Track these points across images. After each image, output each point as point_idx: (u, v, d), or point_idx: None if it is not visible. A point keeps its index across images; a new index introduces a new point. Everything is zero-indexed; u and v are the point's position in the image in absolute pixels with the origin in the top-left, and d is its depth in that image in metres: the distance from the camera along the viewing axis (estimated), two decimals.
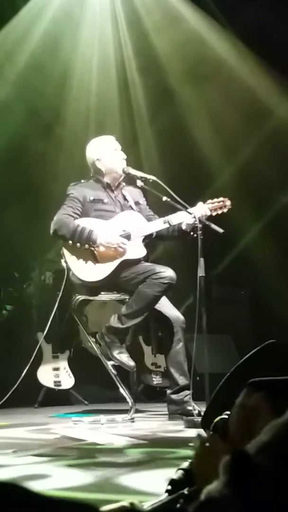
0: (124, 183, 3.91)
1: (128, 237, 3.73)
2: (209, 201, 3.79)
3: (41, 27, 5.47)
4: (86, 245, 3.64)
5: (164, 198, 3.67)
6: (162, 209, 3.85)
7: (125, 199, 3.89)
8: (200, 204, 3.74)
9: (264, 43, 5.07)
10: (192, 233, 3.71)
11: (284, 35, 4.90)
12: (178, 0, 5.58)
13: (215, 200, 3.81)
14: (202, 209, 3.70)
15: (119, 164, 3.83)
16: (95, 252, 3.67)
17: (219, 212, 3.78)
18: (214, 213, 3.75)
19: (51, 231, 3.72)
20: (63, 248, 3.78)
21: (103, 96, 5.80)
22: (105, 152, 3.85)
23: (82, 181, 3.92)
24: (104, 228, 3.70)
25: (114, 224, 3.77)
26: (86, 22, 5.62)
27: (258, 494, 0.33)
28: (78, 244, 3.65)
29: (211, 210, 3.74)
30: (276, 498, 0.33)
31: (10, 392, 4.04)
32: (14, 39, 5.45)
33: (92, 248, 3.66)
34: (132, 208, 3.86)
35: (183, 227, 3.73)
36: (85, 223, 3.73)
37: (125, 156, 3.85)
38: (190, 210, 3.65)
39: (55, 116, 5.63)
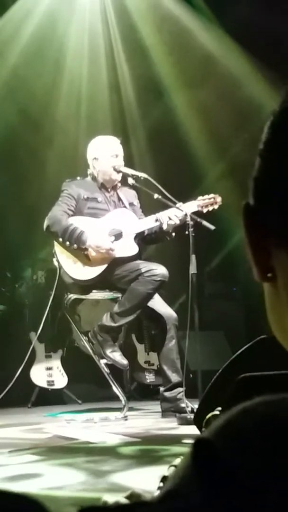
0: (119, 184, 3.90)
1: (119, 235, 3.73)
2: (200, 197, 3.79)
3: (31, 25, 5.45)
4: (75, 245, 3.64)
5: (156, 196, 3.67)
6: (153, 208, 3.84)
7: (119, 199, 3.89)
8: (190, 202, 3.74)
9: (254, 40, 5.06)
10: (173, 233, 3.71)
11: (274, 31, 4.89)
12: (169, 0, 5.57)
13: (206, 196, 3.80)
14: (192, 206, 3.70)
15: (111, 171, 3.81)
16: (86, 252, 3.67)
17: (210, 208, 3.77)
18: (205, 210, 3.74)
19: (44, 227, 3.72)
20: (55, 246, 3.77)
21: (94, 95, 5.78)
22: (103, 154, 3.83)
23: (78, 178, 3.91)
24: (95, 228, 3.69)
25: (106, 221, 3.76)
26: (76, 20, 5.60)
27: (219, 481, 0.33)
28: (68, 243, 3.65)
29: (202, 207, 3.73)
30: (235, 484, 0.33)
31: (3, 393, 4.03)
32: (4, 37, 5.43)
33: (82, 249, 3.65)
34: (125, 208, 3.85)
35: (164, 227, 3.70)
36: (78, 222, 3.72)
37: (121, 163, 3.82)
38: (180, 207, 3.65)
39: (46, 115, 5.61)
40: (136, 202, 3.94)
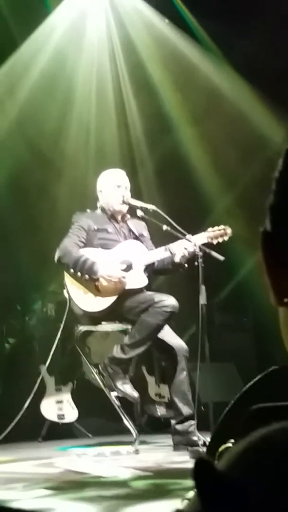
0: (129, 215, 3.95)
1: (129, 266, 3.75)
2: (210, 229, 3.81)
3: (41, 62, 5.57)
4: (87, 276, 3.66)
5: (165, 227, 3.71)
6: (163, 239, 3.87)
7: (129, 230, 3.93)
8: (200, 234, 3.77)
9: (260, 74, 5.15)
10: (186, 265, 3.73)
11: (280, 65, 4.98)
12: (175, 35, 5.68)
13: (216, 228, 3.82)
14: (202, 237, 3.72)
15: (116, 201, 3.86)
16: (96, 283, 3.69)
17: (220, 240, 3.78)
18: (215, 241, 3.76)
19: (56, 258, 3.76)
20: (65, 277, 3.80)
21: (103, 129, 5.86)
22: (107, 186, 3.90)
23: (88, 210, 3.97)
24: (106, 259, 3.72)
25: (116, 253, 3.79)
26: (84, 57, 5.72)
27: (224, 504, 0.34)
28: (79, 274, 3.67)
29: (212, 238, 3.75)
30: (243, 508, 0.34)
31: (12, 425, 4.01)
32: (14, 75, 5.55)
33: (93, 280, 3.67)
34: (136, 239, 3.89)
35: (176, 259, 3.72)
36: (88, 253, 3.75)
37: (126, 195, 3.87)
38: (190, 238, 3.67)
39: (55, 150, 5.69)
40: (146, 233, 3.97)
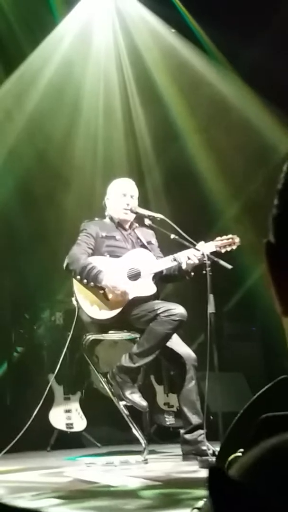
0: (137, 224, 3.97)
1: (138, 274, 3.76)
2: (218, 238, 3.81)
3: (49, 72, 5.60)
4: (92, 283, 3.68)
5: (172, 236, 3.72)
6: (170, 248, 3.87)
7: (137, 238, 3.94)
8: (208, 243, 3.77)
9: (266, 83, 5.16)
10: (192, 273, 3.73)
11: (284, 75, 4.99)
12: (181, 44, 5.71)
13: (224, 237, 3.81)
14: (210, 247, 3.72)
15: (120, 209, 3.88)
16: (104, 291, 3.70)
17: (228, 249, 3.78)
18: (223, 250, 3.76)
19: (64, 265, 3.79)
20: (74, 285, 3.81)
21: (110, 138, 5.89)
22: (113, 194, 3.93)
23: (96, 218, 3.99)
24: (114, 267, 3.73)
25: (124, 261, 3.80)
26: (91, 67, 5.76)
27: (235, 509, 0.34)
28: (85, 281, 3.70)
29: (220, 247, 3.75)
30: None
31: (20, 434, 4.00)
32: (22, 84, 5.58)
33: (101, 288, 3.68)
34: (144, 247, 3.90)
35: (183, 266, 3.73)
36: (96, 261, 3.76)
37: (131, 203, 3.88)
38: (198, 247, 3.67)
39: (63, 158, 5.71)
40: (154, 241, 3.98)
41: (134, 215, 3.90)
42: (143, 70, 5.77)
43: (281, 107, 5.18)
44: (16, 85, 5.55)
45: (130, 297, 3.68)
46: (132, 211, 3.88)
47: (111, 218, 3.94)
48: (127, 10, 5.70)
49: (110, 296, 3.70)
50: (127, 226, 3.94)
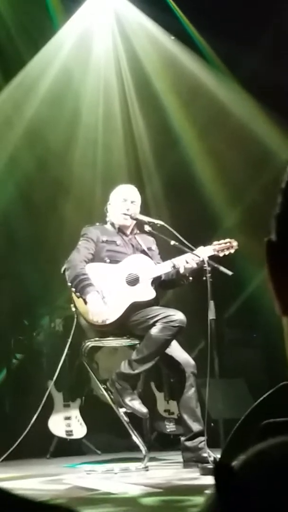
0: (138, 230, 3.97)
1: (136, 280, 3.76)
2: (215, 242, 3.81)
3: (48, 79, 5.62)
4: (78, 294, 3.69)
5: (172, 242, 3.72)
6: (170, 254, 3.87)
7: (138, 243, 3.94)
8: (207, 247, 3.77)
9: (266, 90, 5.17)
10: (191, 277, 3.73)
11: (285, 81, 5.00)
12: (181, 52, 5.72)
13: (222, 241, 3.82)
14: (208, 251, 3.72)
15: (119, 214, 3.88)
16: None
17: (226, 253, 3.78)
18: (221, 254, 3.76)
19: (62, 270, 3.79)
20: None
21: (110, 145, 5.90)
22: (114, 200, 3.93)
23: (97, 224, 3.99)
24: (112, 275, 3.72)
25: (123, 267, 3.80)
26: (91, 73, 5.77)
27: (239, 506, 0.34)
28: (74, 290, 3.71)
29: (218, 251, 3.75)
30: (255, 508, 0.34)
31: (18, 441, 3.98)
32: (22, 91, 5.59)
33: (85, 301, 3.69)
34: (144, 252, 3.89)
35: (181, 270, 3.73)
36: (95, 269, 3.76)
37: (132, 209, 3.88)
38: (197, 252, 3.67)
39: (63, 165, 5.72)
40: (154, 247, 3.98)
41: (133, 221, 3.90)
42: (143, 77, 5.78)
43: (281, 114, 5.20)
44: (15, 92, 5.56)
45: (129, 302, 3.67)
46: (131, 217, 3.88)
47: (112, 224, 3.95)
48: (126, 17, 5.72)
49: (110, 300, 3.69)
50: (128, 232, 3.94)
